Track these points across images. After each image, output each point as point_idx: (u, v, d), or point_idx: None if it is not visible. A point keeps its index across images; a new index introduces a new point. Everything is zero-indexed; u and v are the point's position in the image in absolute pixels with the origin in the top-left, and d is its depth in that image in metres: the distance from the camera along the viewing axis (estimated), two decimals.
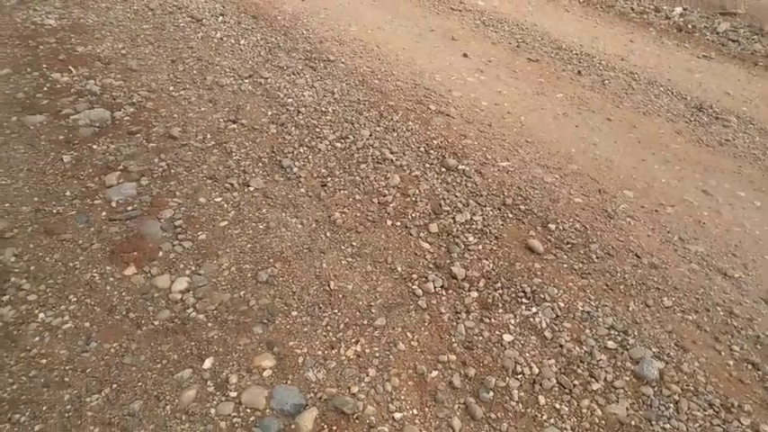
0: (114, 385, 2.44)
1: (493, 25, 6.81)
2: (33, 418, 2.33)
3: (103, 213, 3.29)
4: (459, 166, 3.97)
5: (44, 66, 4.70)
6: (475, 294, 3.00)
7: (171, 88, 4.50)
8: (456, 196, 3.68)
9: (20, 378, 2.48)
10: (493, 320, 2.87)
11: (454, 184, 3.81)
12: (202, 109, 4.30)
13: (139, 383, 2.45)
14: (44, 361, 2.54)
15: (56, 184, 3.50)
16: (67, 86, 4.45)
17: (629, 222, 3.66)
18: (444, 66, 5.59)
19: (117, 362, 2.53)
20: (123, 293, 2.84)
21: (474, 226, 3.46)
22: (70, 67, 4.67)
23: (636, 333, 2.87)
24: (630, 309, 3.02)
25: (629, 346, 2.79)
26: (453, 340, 2.75)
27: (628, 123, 4.90)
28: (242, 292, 2.88)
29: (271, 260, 3.09)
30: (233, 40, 5.45)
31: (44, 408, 2.36)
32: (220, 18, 5.83)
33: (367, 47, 5.76)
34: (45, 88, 4.41)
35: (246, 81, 4.77)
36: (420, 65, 5.52)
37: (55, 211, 3.30)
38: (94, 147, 3.80)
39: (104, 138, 3.88)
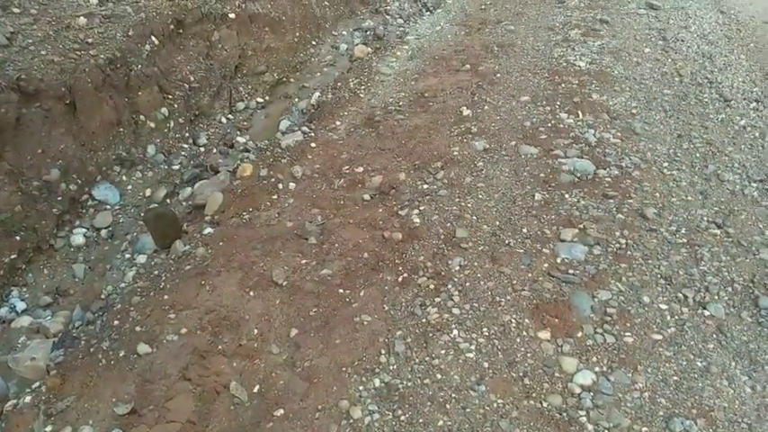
0: None
1: None
2: (410, 423, 2.51)
3: (545, 264, 3.29)
4: None
5: (558, 103, 4.99)
6: None
7: (665, 164, 4.16)
8: None
9: (416, 378, 2.71)
10: None
11: None
12: (689, 198, 3.83)
13: None
14: (439, 376, 2.71)
15: (519, 217, 3.67)
16: (568, 129, 4.61)
17: None
18: None
19: (494, 419, 2.49)
20: (528, 354, 2.77)
21: None
22: (579, 112, 4.83)
23: None
24: None
25: None
26: None
27: None
28: (644, 429, 2.44)
29: (693, 411, 2.52)
30: (758, 133, 4.67)
31: (420, 420, 2.51)
32: (753, 104, 5.07)
33: None
34: (549, 124, 4.69)
35: (754, 185, 4.01)
36: None
37: (507, 242, 3.47)
38: (566, 196, 3.82)
39: (579, 191, 3.87)
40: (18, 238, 3.89)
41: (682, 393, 2.57)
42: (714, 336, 2.86)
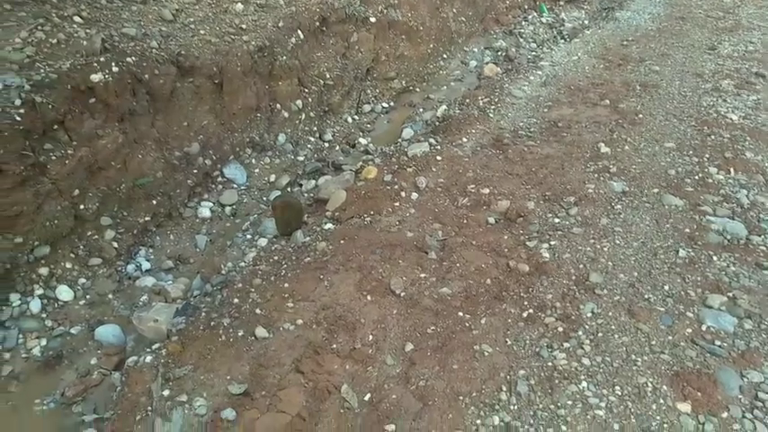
0: None
1: None
2: None
3: (689, 330, 3.01)
4: None
5: (706, 155, 4.64)
6: None
7: None
8: None
9: (539, 425, 2.54)
10: None
11: None
12: None
13: None
14: (564, 428, 2.53)
15: (660, 271, 3.40)
16: (718, 185, 4.26)
17: None
18: None
19: None
20: (665, 425, 2.53)
21: None
22: (730, 168, 4.45)
23: None
24: None
25: None
26: None
27: None
28: None
29: None
30: None
31: None
32: None
33: None
34: (696, 177, 4.35)
35: None
36: None
37: (646, 297, 3.22)
38: (714, 258, 3.51)
39: (729, 255, 3.54)
40: (154, 202, 4.09)
41: None
42: None
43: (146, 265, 3.94)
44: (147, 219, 4.05)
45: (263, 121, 5.04)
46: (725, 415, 2.58)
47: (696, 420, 2.55)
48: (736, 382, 2.72)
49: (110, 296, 3.70)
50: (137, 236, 4.01)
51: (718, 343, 2.93)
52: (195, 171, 4.41)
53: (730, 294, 3.23)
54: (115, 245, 3.87)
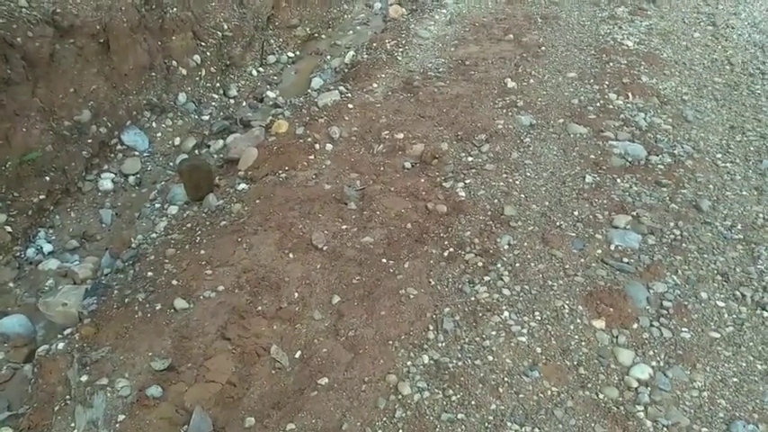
0: (536, 430, 2.33)
1: None
2: (461, 404, 2.43)
3: (599, 251, 3.17)
4: None
5: (606, 83, 4.81)
6: None
7: (718, 156, 4.01)
8: None
9: (466, 358, 2.62)
10: None
11: None
12: (743, 193, 3.69)
13: None
14: (490, 357, 2.62)
15: (569, 198, 3.54)
16: (618, 110, 4.44)
17: None
18: None
19: (548, 408, 2.41)
20: (583, 343, 2.68)
21: None
22: (628, 93, 4.65)
23: None
24: None
25: None
26: None
27: None
28: (704, 430, 2.36)
29: (755, 415, 2.44)
30: None
31: (472, 402, 2.43)
32: None
33: None
34: (598, 104, 4.52)
35: None
36: None
37: (558, 224, 3.35)
38: (618, 180, 3.69)
39: (631, 176, 3.73)
40: (47, 178, 3.77)
41: (742, 396, 2.49)
42: None
43: (47, 248, 3.66)
44: (41, 197, 3.73)
45: (160, 80, 4.71)
46: (635, 326, 2.76)
47: (610, 335, 2.72)
48: (644, 294, 2.91)
49: (10, 284, 3.42)
50: (32, 217, 3.69)
51: (625, 260, 3.11)
52: (90, 141, 4.08)
53: (634, 213, 3.42)
54: (9, 229, 3.56)
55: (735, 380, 2.55)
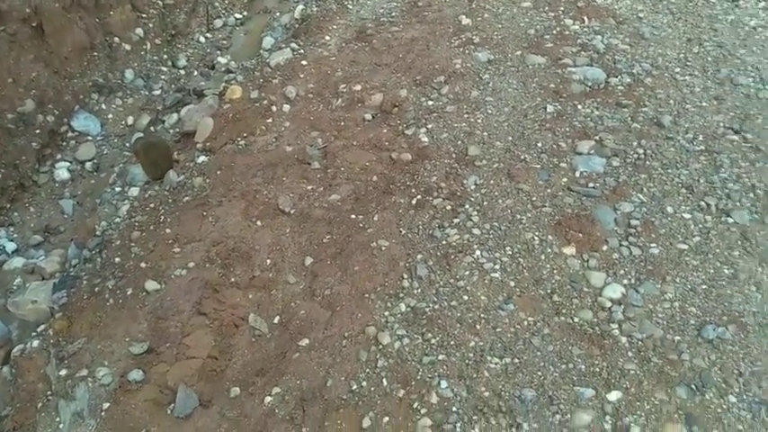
0: (516, 360, 2.37)
1: None
2: (441, 345, 2.46)
3: (564, 179, 3.17)
4: None
5: (561, 9, 4.71)
6: None
7: (677, 70, 3.99)
8: None
9: (442, 301, 2.64)
10: None
11: None
12: (703, 104, 3.69)
13: (538, 372, 2.33)
14: (465, 297, 2.64)
15: (532, 131, 3.52)
16: (575, 36, 4.37)
17: None
18: None
19: (526, 337, 2.45)
20: (555, 271, 2.71)
21: None
22: (584, 17, 4.57)
23: None
24: None
25: None
26: None
27: None
28: (677, 338, 2.43)
29: (724, 318, 2.51)
30: None
31: (452, 342, 2.46)
32: (762, 4, 4.84)
33: None
34: (554, 31, 4.44)
35: None
36: None
37: (522, 158, 3.34)
38: (579, 107, 3.66)
39: (591, 101, 3.70)
40: None
41: (711, 301, 2.55)
42: (739, 243, 2.81)
43: (10, 246, 3.57)
44: None
45: (103, 59, 4.51)
46: (605, 248, 2.79)
47: (581, 260, 2.75)
48: (611, 216, 2.94)
49: None
50: None
51: (591, 185, 3.12)
52: (38, 131, 3.93)
53: (597, 137, 3.41)
54: None
55: (704, 287, 2.61)
